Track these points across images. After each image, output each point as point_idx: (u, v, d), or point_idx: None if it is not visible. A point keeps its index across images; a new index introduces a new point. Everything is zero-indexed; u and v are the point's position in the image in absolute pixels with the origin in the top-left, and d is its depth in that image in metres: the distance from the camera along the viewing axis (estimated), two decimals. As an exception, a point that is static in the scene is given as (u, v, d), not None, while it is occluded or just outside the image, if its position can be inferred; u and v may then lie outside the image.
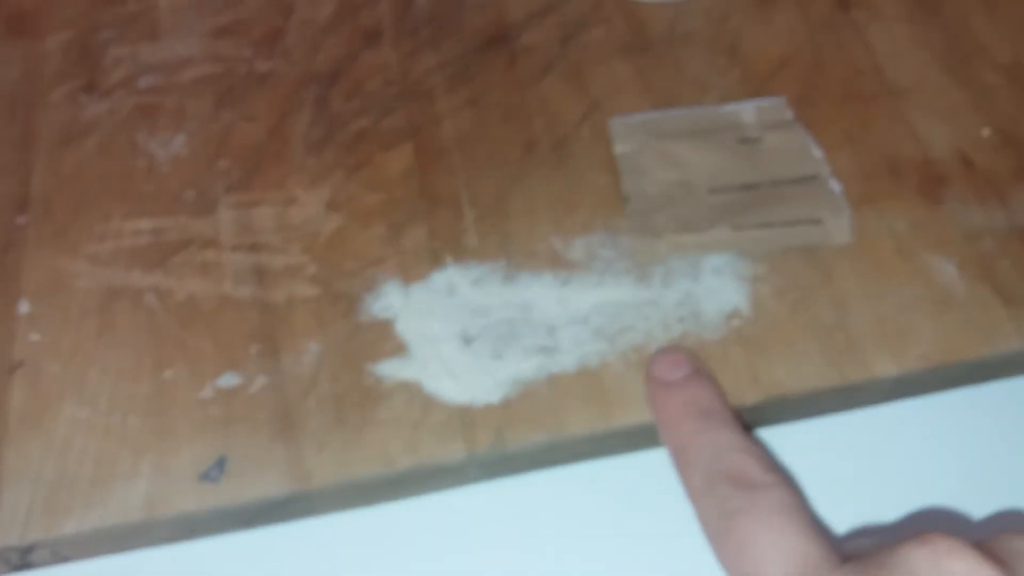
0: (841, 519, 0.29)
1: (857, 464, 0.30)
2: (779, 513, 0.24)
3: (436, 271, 0.32)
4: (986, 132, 0.34)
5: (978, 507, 0.29)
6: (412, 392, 0.30)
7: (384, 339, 0.31)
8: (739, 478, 0.25)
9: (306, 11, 0.39)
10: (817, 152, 0.34)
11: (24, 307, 0.32)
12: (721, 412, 0.28)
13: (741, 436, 0.27)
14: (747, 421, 0.30)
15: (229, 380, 0.30)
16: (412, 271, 0.32)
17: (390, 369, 0.30)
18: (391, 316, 0.31)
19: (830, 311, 0.31)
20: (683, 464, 0.27)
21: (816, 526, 0.24)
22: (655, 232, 0.32)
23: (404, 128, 0.36)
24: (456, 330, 0.31)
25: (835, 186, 0.33)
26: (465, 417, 0.29)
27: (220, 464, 0.29)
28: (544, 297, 0.32)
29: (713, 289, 0.31)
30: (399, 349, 0.31)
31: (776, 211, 0.32)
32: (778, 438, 0.31)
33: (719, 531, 0.24)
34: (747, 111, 0.35)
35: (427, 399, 0.30)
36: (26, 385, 0.31)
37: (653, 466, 0.31)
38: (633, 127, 0.35)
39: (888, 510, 0.29)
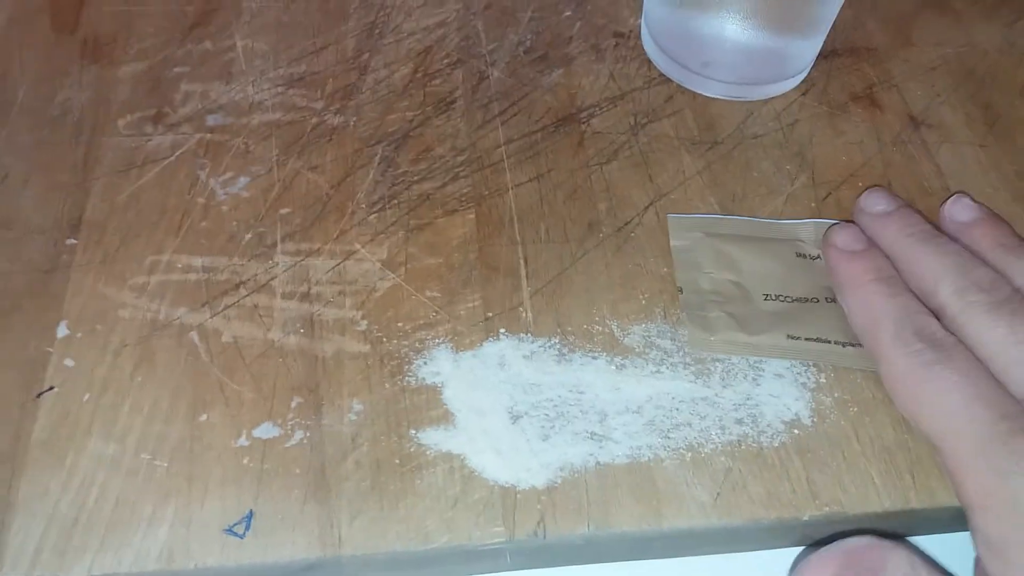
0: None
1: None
2: (973, 367, 0.27)
3: (488, 341, 0.31)
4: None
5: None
6: (455, 465, 0.29)
7: (430, 406, 0.30)
8: (931, 336, 0.28)
9: (381, 72, 0.39)
10: None
11: (63, 331, 0.31)
12: (900, 280, 0.30)
13: (920, 302, 0.29)
14: (801, 536, 0.29)
15: (267, 431, 0.29)
16: (464, 339, 0.31)
17: (434, 438, 0.29)
18: (439, 383, 0.30)
19: (892, 431, 0.30)
20: (870, 321, 0.29)
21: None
22: (708, 327, 0.32)
23: (468, 195, 0.35)
24: (505, 405, 0.30)
25: None
26: (507, 498, 0.28)
27: (248, 519, 0.28)
28: (598, 381, 0.31)
29: (774, 394, 0.30)
30: (445, 418, 0.30)
31: (833, 329, 0.32)
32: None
33: (918, 379, 0.27)
34: (806, 228, 0.35)
35: (469, 473, 0.29)
36: (53, 412, 0.30)
37: (697, 573, 0.29)
38: (690, 223, 0.35)
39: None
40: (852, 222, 0.34)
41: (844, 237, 0.32)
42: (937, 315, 0.29)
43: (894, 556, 0.26)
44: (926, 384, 0.27)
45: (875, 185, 0.36)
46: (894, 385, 0.29)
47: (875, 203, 0.33)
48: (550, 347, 0.32)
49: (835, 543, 0.26)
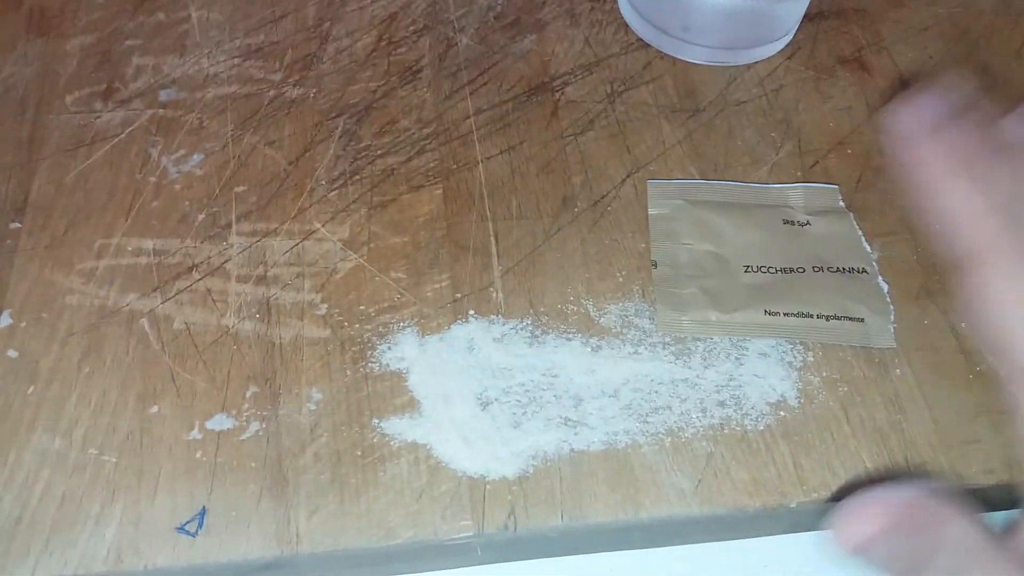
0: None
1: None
2: None
3: (457, 324, 0.30)
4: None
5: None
6: (420, 455, 0.27)
7: (394, 393, 0.28)
8: None
9: (343, 40, 0.37)
10: (868, 247, 0.32)
11: (5, 320, 0.30)
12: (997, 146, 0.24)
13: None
14: (789, 523, 0.27)
15: (220, 423, 0.28)
16: (431, 322, 0.30)
17: (398, 427, 0.28)
18: (404, 368, 0.29)
19: (884, 411, 0.28)
20: (971, 216, 0.23)
21: None
22: (681, 305, 0.30)
23: (435, 170, 0.33)
24: (474, 390, 0.28)
25: (883, 285, 0.31)
26: (476, 490, 0.27)
27: (201, 516, 0.26)
28: (572, 363, 0.29)
29: (758, 374, 0.29)
30: (409, 406, 0.28)
31: (816, 302, 0.30)
32: (816, 543, 0.28)
33: None
34: (795, 193, 0.33)
35: (436, 464, 0.27)
36: (-5, 407, 0.28)
37: (678, 563, 0.28)
38: (671, 190, 0.33)
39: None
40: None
41: (910, 118, 0.25)
42: None
43: (950, 511, 0.22)
44: None
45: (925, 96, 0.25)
46: (999, 293, 0.22)
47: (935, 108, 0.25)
48: (522, 329, 0.30)
49: (883, 489, 0.23)
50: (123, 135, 0.34)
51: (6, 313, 0.30)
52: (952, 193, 0.23)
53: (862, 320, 0.30)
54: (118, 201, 0.32)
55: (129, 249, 0.31)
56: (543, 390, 0.29)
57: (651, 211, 0.33)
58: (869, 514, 0.23)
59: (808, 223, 0.32)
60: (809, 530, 0.28)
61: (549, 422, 0.28)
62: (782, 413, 0.28)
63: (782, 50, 0.38)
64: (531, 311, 0.30)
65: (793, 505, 0.26)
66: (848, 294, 0.30)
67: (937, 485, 0.24)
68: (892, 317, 0.30)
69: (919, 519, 0.22)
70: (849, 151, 0.35)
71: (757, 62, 0.38)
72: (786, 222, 0.32)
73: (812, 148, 0.35)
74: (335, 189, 0.33)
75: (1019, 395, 0.22)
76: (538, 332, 0.30)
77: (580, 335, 0.30)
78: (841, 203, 0.33)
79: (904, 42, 0.39)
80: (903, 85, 0.37)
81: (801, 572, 0.28)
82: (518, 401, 0.28)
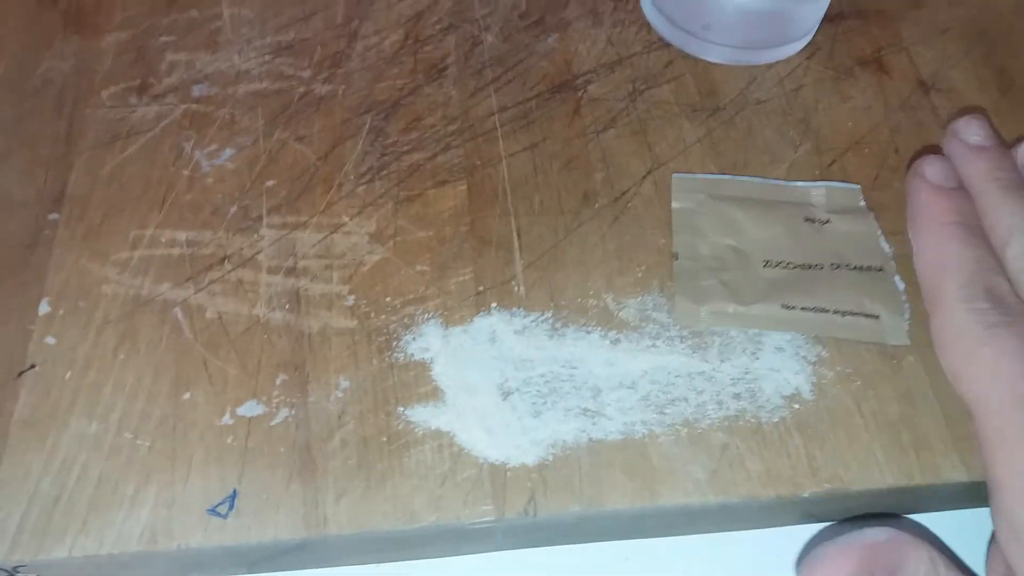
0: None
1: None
2: None
3: (480, 316, 0.31)
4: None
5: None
6: (443, 442, 0.28)
7: (419, 382, 0.29)
8: (1000, 298, 0.26)
9: (371, 38, 0.38)
10: (886, 246, 0.32)
11: (44, 308, 0.31)
12: (981, 231, 0.28)
13: (997, 259, 0.27)
14: (801, 514, 0.28)
15: (251, 409, 0.29)
16: (454, 314, 0.31)
17: (422, 415, 0.28)
18: (428, 359, 0.30)
19: (896, 405, 0.29)
20: (939, 265, 0.28)
21: None
22: (699, 297, 0.31)
23: (460, 166, 0.34)
24: (495, 381, 0.29)
25: (899, 283, 0.31)
26: (496, 476, 0.27)
27: (232, 499, 0.27)
28: (591, 356, 0.30)
29: (774, 368, 0.29)
30: (433, 395, 0.29)
31: (832, 297, 0.30)
32: (832, 532, 0.28)
33: (976, 339, 0.26)
34: (817, 191, 0.34)
35: (458, 451, 0.28)
36: (34, 391, 0.29)
37: (693, 552, 0.29)
38: (695, 185, 0.34)
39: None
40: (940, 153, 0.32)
41: (935, 170, 0.30)
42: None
43: (915, 553, 0.24)
44: (983, 347, 0.26)
45: (972, 115, 0.33)
46: (947, 339, 0.27)
47: (972, 132, 0.31)
48: (543, 322, 0.31)
49: (850, 534, 0.25)
50: (157, 129, 0.35)
51: (44, 301, 0.31)
52: (934, 242, 0.28)
53: (878, 317, 0.30)
54: (152, 193, 0.33)
55: (163, 240, 0.32)
56: (563, 381, 0.29)
57: (674, 204, 0.33)
58: (836, 561, 0.24)
59: (829, 221, 0.33)
60: (822, 521, 0.29)
61: (568, 412, 0.29)
62: (796, 406, 0.29)
63: (802, 50, 0.39)
64: (552, 304, 0.31)
65: (806, 495, 0.27)
66: (865, 291, 0.31)
67: (902, 530, 0.25)
68: (907, 315, 0.30)
69: (886, 563, 0.24)
70: (867, 150, 0.35)
71: (777, 62, 0.38)
72: (807, 220, 0.33)
73: (830, 147, 0.35)
74: (363, 184, 0.33)
75: (977, 427, 0.25)
76: (558, 325, 0.31)
77: (599, 328, 0.30)
78: (863, 203, 0.34)
79: (923, 43, 0.39)
80: (922, 86, 0.37)
81: (814, 562, 0.29)
82: (538, 391, 0.29)
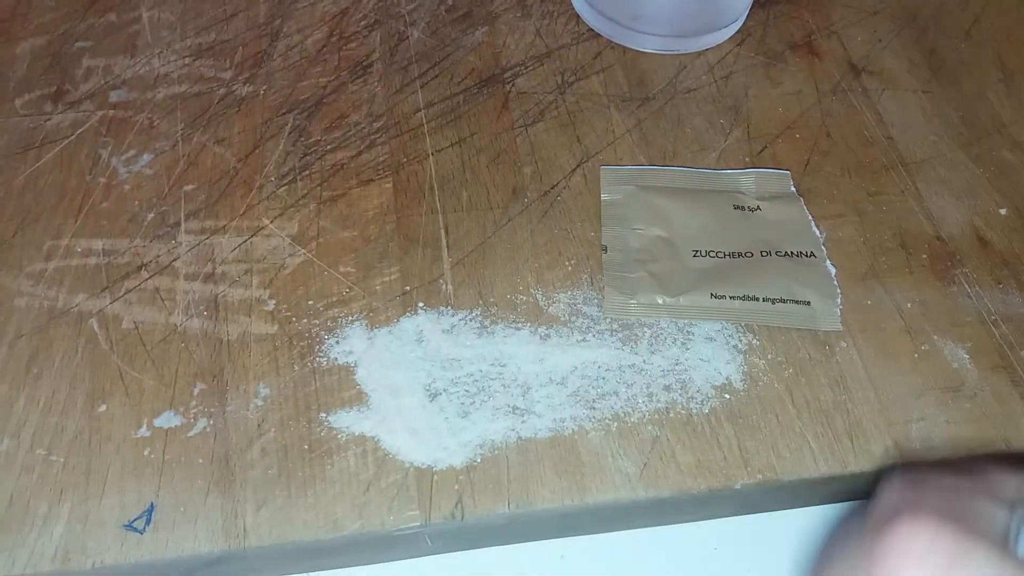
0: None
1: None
2: None
3: (406, 317, 0.30)
4: (1004, 211, 0.33)
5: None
6: (367, 447, 0.27)
7: (342, 387, 0.28)
8: None
9: (294, 37, 0.37)
10: (817, 231, 0.32)
11: (-46, 324, 0.30)
12: None
13: None
14: (735, 505, 0.28)
15: (168, 420, 0.28)
16: (380, 315, 0.30)
17: (345, 420, 0.28)
18: (352, 362, 0.29)
19: (829, 391, 0.28)
20: None
21: None
22: (629, 289, 0.30)
23: (385, 164, 0.33)
24: (422, 382, 0.29)
25: (830, 268, 0.31)
26: (423, 480, 0.27)
27: (148, 513, 0.26)
28: (521, 353, 0.29)
29: (704, 358, 0.29)
30: (357, 399, 0.28)
31: (763, 285, 0.30)
32: (767, 525, 0.28)
33: None
34: (747, 178, 0.33)
35: (383, 456, 0.27)
36: (-56, 410, 0.28)
37: (627, 548, 0.28)
38: (624, 176, 0.33)
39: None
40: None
41: None
42: None
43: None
44: None
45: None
46: None
47: None
48: (471, 320, 0.30)
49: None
50: (73, 137, 0.34)
51: (-44, 317, 0.30)
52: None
53: (808, 303, 0.30)
54: (68, 202, 0.32)
55: (79, 250, 0.31)
56: (491, 380, 0.29)
57: (603, 197, 0.33)
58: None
59: (759, 208, 0.33)
60: (755, 511, 0.28)
61: (497, 411, 0.28)
62: (727, 396, 0.28)
63: (732, 37, 0.38)
64: (480, 302, 0.30)
65: (738, 487, 0.27)
66: (795, 278, 0.31)
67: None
68: (839, 300, 0.30)
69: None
70: (797, 135, 0.35)
71: (707, 49, 0.38)
72: (737, 207, 0.33)
73: (761, 134, 0.35)
74: (284, 185, 0.33)
75: None
76: (487, 322, 0.30)
77: (529, 324, 0.30)
78: (793, 188, 0.33)
79: (855, 26, 0.39)
80: (852, 69, 0.37)
81: (749, 553, 0.28)
82: (466, 391, 0.28)
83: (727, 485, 0.27)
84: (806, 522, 0.28)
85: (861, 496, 0.29)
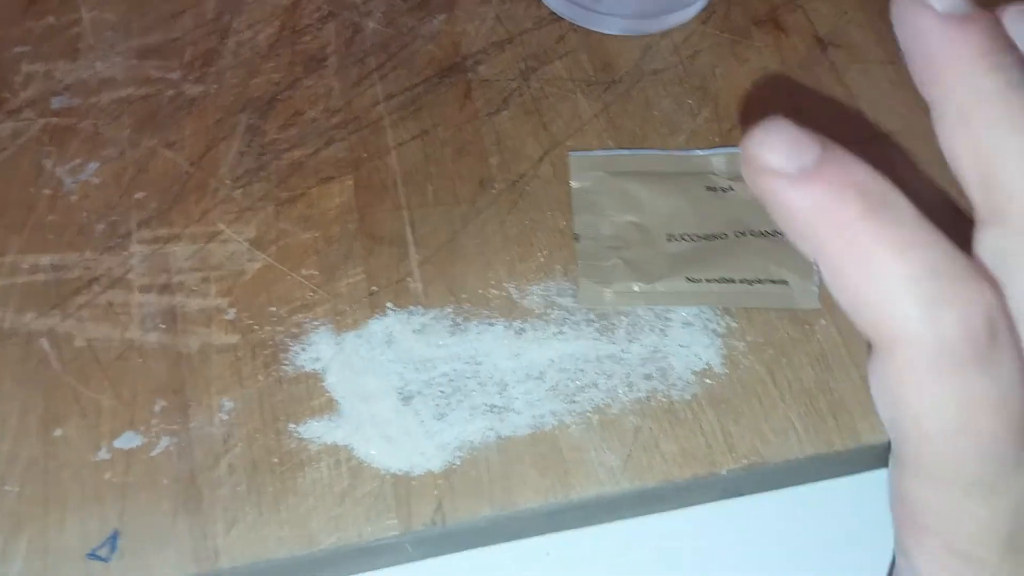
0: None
1: (843, 533, 0.27)
2: (1020, 381, 0.15)
3: (374, 319, 0.29)
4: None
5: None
6: (340, 457, 0.26)
7: (311, 395, 0.27)
8: (983, 322, 0.14)
9: (244, 33, 0.36)
10: None
11: None
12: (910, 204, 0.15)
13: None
14: (721, 490, 0.27)
15: (129, 440, 0.26)
16: (346, 318, 0.29)
17: (316, 430, 0.27)
18: (320, 369, 0.28)
19: (811, 371, 0.28)
20: (867, 289, 0.15)
21: None
22: (603, 277, 0.29)
23: (345, 160, 0.32)
24: (394, 386, 0.27)
25: None
26: (400, 487, 0.26)
27: (113, 540, 0.25)
28: (496, 349, 0.28)
29: (683, 344, 0.28)
30: (327, 407, 0.27)
31: (739, 266, 0.29)
32: (755, 507, 0.27)
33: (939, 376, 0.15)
34: (718, 159, 0.33)
35: (357, 465, 0.26)
36: None
37: (613, 540, 0.27)
38: (593, 163, 0.32)
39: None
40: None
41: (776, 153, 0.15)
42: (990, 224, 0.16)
43: None
44: (948, 390, 0.15)
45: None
46: (897, 374, 0.15)
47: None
48: (443, 318, 0.29)
49: None
50: (13, 147, 0.33)
51: (-103, 343, 0.28)
52: (848, 270, 0.15)
53: (786, 282, 0.29)
54: (11, 217, 0.31)
55: (24, 267, 0.30)
56: (467, 378, 0.28)
57: (573, 184, 0.32)
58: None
59: (731, 188, 0.32)
60: (741, 495, 0.28)
61: (475, 411, 0.27)
62: (708, 381, 0.28)
63: (697, 15, 0.37)
64: (452, 299, 0.29)
65: (723, 473, 0.26)
66: (771, 257, 0.30)
67: None
68: (816, 278, 0.30)
69: None
70: (767, 112, 0.34)
71: (672, 29, 0.37)
72: (709, 188, 0.32)
73: (729, 112, 0.34)
74: (240, 187, 0.31)
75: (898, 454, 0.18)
76: (460, 320, 0.29)
77: (503, 319, 0.29)
78: None
79: (818, -1, 0.38)
80: (819, 43, 0.37)
81: (736, 539, 0.27)
82: (441, 392, 0.27)
83: (713, 472, 0.26)
84: (792, 502, 0.27)
85: (846, 473, 0.28)
